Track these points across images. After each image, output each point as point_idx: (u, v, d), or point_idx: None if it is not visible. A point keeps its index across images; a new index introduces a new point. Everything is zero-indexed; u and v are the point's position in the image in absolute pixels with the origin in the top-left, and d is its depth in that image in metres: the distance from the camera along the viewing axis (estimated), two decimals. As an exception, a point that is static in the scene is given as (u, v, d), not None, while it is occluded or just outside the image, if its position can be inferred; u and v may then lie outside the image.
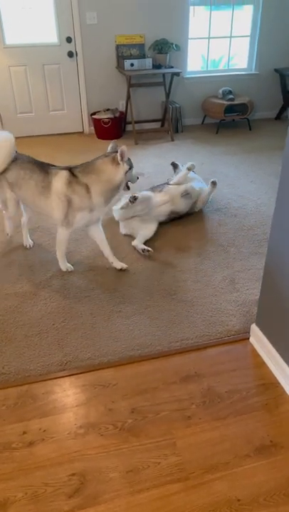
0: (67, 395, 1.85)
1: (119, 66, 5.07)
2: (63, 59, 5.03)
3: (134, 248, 2.87)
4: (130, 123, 5.22)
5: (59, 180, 2.39)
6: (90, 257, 2.83)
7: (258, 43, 5.50)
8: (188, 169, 3.29)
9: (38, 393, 1.86)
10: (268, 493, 1.47)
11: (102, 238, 2.65)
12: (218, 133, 5.38)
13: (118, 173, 2.38)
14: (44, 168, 2.46)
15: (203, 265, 2.72)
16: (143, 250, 2.81)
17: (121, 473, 1.54)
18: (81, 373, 1.95)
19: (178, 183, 3.26)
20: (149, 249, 2.81)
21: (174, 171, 3.60)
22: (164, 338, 2.15)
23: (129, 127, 5.39)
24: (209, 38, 5.44)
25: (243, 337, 2.14)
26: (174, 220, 3.22)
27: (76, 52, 5.00)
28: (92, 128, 5.35)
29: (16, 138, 5.68)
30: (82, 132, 5.51)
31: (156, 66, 5.01)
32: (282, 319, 1.82)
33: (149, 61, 4.91)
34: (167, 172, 4.10)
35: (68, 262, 2.73)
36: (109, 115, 5.10)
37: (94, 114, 5.23)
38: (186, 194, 3.19)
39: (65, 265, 2.67)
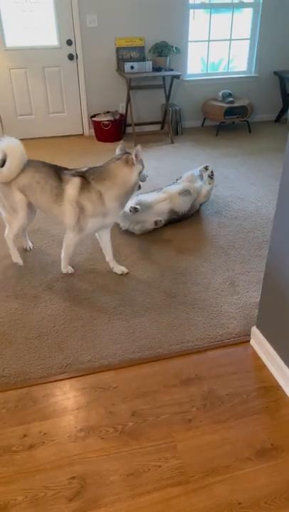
0: (68, 397, 1.84)
1: (120, 69, 5.09)
2: (63, 61, 5.04)
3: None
4: (130, 125, 5.22)
5: (72, 188, 2.35)
6: (90, 259, 2.83)
7: (257, 46, 5.52)
8: (205, 169, 3.43)
9: (39, 396, 1.85)
10: (269, 496, 1.47)
11: (108, 242, 2.63)
12: (218, 135, 5.39)
13: (133, 175, 2.34)
14: (58, 173, 2.41)
15: (203, 267, 2.72)
16: (130, 209, 2.88)
17: (121, 477, 1.53)
18: (81, 376, 1.95)
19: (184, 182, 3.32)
20: (137, 207, 2.88)
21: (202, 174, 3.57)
22: (165, 340, 2.15)
23: (129, 130, 5.40)
24: (209, 40, 5.45)
25: (244, 340, 2.14)
26: (175, 221, 3.22)
27: (76, 54, 5.02)
28: (92, 130, 5.36)
29: (16, 140, 5.57)
30: (82, 134, 5.51)
31: (156, 69, 5.02)
32: (283, 322, 1.82)
33: (149, 64, 4.93)
34: (167, 174, 4.10)
35: (68, 264, 2.73)
36: (109, 117, 5.11)
37: (94, 116, 5.24)
38: (184, 192, 3.19)
39: (67, 268, 2.67)
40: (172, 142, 5.17)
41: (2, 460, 1.59)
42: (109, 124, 5.09)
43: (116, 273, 2.66)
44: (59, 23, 4.83)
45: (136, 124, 5.21)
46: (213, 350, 2.08)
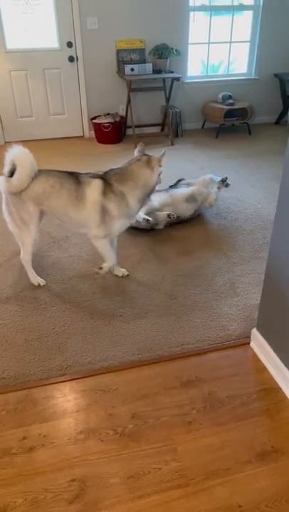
0: (68, 399, 1.84)
1: (120, 71, 5.09)
2: (64, 64, 5.05)
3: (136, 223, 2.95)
4: (130, 127, 5.23)
5: (94, 191, 2.26)
6: (91, 261, 2.83)
7: (257, 48, 5.53)
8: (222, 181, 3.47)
9: (38, 398, 1.85)
10: (270, 499, 1.46)
11: (114, 244, 2.61)
12: (218, 137, 5.40)
13: (154, 176, 2.33)
14: (74, 177, 2.32)
15: (203, 269, 2.72)
16: (143, 220, 2.88)
17: (121, 479, 1.53)
18: (81, 378, 1.95)
19: (195, 185, 3.33)
20: (150, 218, 2.88)
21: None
22: (165, 342, 2.14)
23: (129, 131, 5.41)
24: (209, 43, 5.47)
25: (244, 342, 2.14)
26: (175, 224, 3.22)
27: (77, 56, 5.03)
28: (93, 132, 5.36)
29: (17, 142, 5.69)
30: (82, 136, 5.52)
31: (157, 71, 5.03)
32: (284, 324, 1.82)
33: (149, 66, 4.93)
34: (167, 176, 4.09)
35: (68, 266, 2.73)
36: (109, 119, 5.12)
37: (94, 118, 5.25)
38: (190, 198, 3.20)
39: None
40: (172, 144, 5.18)
41: (2, 462, 1.59)
42: (109, 126, 5.10)
43: (116, 275, 2.66)
44: (59, 25, 4.84)
45: (136, 126, 5.22)
46: (213, 352, 2.08)
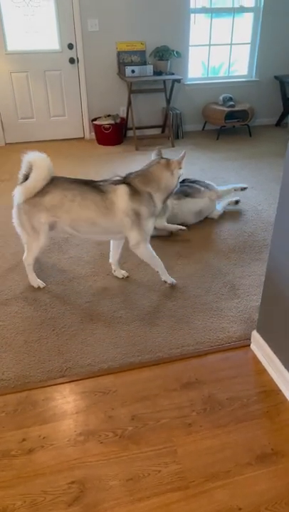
0: (67, 401, 1.84)
1: (120, 72, 5.10)
2: (65, 65, 5.05)
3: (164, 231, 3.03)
4: (131, 129, 5.23)
5: (122, 197, 2.24)
6: (91, 262, 2.83)
7: (258, 50, 5.54)
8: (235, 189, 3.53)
9: (38, 400, 1.85)
10: (270, 501, 1.46)
11: (120, 244, 2.61)
12: (219, 139, 5.40)
13: (175, 178, 2.35)
14: (93, 186, 2.27)
15: (203, 271, 2.72)
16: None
17: (121, 482, 1.52)
18: (81, 380, 1.94)
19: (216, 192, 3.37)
20: (183, 228, 3.00)
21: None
22: (165, 344, 2.14)
23: (129, 133, 5.41)
24: (210, 45, 5.47)
25: (244, 344, 2.14)
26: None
27: (77, 58, 5.03)
28: (93, 134, 5.37)
29: (17, 143, 5.66)
30: (82, 138, 5.52)
31: (157, 73, 5.03)
32: (284, 326, 1.81)
33: (150, 68, 4.94)
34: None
35: (68, 268, 2.73)
36: (110, 121, 5.12)
37: (95, 120, 5.25)
38: (199, 212, 3.26)
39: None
40: (173, 146, 5.18)
41: (1, 464, 1.59)
42: (110, 127, 5.10)
43: (116, 276, 2.66)
44: (60, 27, 4.85)
45: (137, 128, 5.22)
46: (213, 354, 2.08)
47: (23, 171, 2.26)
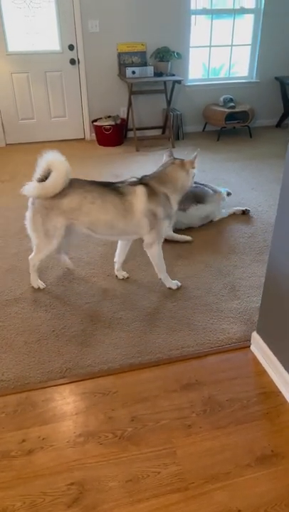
0: (67, 402, 1.84)
1: (121, 74, 5.11)
2: (65, 66, 5.06)
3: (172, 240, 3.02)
4: (131, 130, 5.24)
5: (140, 198, 2.24)
6: (91, 263, 2.83)
7: (258, 52, 5.54)
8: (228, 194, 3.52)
9: (38, 400, 1.84)
10: (270, 503, 1.45)
11: (128, 245, 2.61)
12: (219, 140, 5.40)
13: (190, 178, 2.37)
14: (111, 188, 2.27)
15: (203, 272, 2.72)
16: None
17: (120, 483, 1.52)
18: (81, 381, 1.94)
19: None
20: (190, 239, 3.05)
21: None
22: (165, 345, 2.14)
23: (130, 134, 5.42)
24: (210, 46, 5.48)
25: (244, 345, 2.13)
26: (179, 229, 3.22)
27: (78, 59, 5.04)
28: (94, 135, 5.37)
29: (18, 144, 5.67)
30: (83, 139, 5.53)
31: (158, 74, 5.04)
32: (284, 327, 1.81)
33: (150, 69, 4.95)
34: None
35: (68, 269, 2.73)
36: (110, 122, 5.13)
37: (95, 120, 5.26)
38: (205, 217, 3.27)
39: (172, 283, 2.54)
40: (173, 147, 5.18)
41: (1, 465, 1.58)
42: (110, 128, 5.11)
43: (117, 277, 2.66)
44: (61, 28, 4.86)
45: (137, 129, 5.23)
46: (213, 355, 2.08)
47: (39, 173, 2.21)
